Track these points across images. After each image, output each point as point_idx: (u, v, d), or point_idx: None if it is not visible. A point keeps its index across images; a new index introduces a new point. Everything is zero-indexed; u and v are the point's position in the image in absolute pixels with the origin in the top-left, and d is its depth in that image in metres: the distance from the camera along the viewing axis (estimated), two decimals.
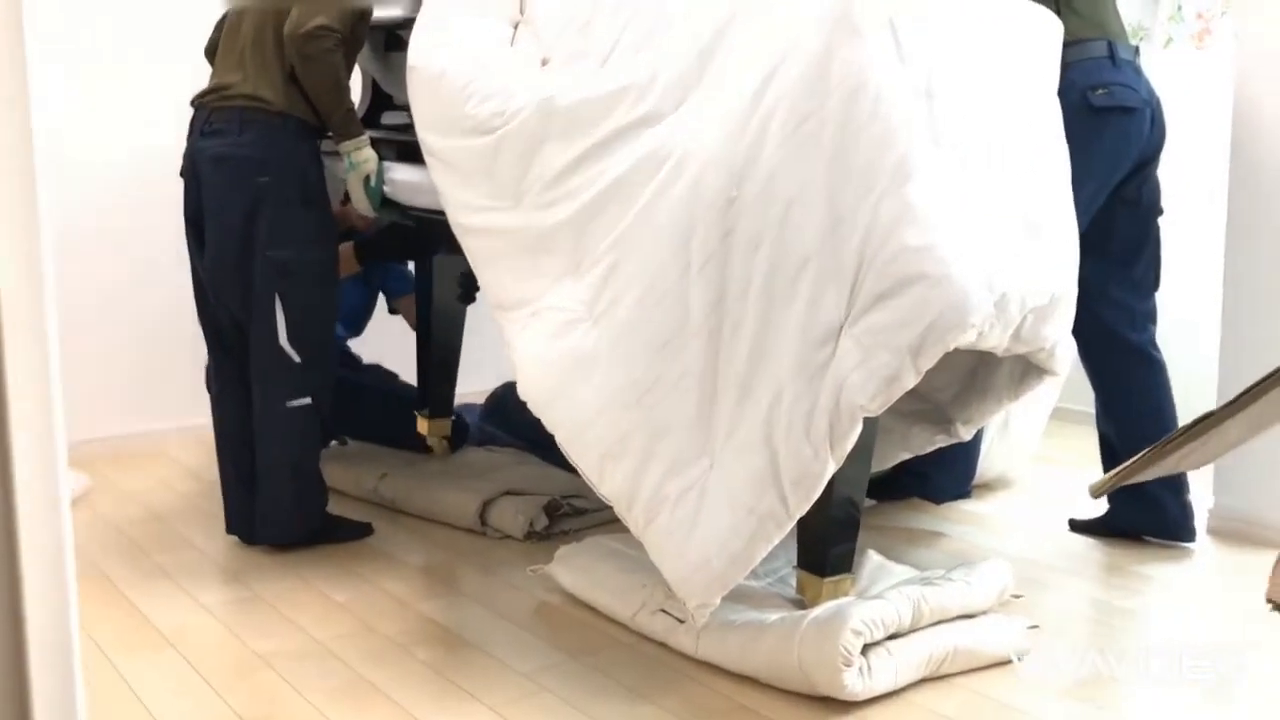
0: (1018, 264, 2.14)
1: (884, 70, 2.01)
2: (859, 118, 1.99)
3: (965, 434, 2.72)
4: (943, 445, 2.76)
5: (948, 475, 3.21)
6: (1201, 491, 3.01)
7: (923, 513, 3.20)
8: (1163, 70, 3.42)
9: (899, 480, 3.18)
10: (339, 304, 3.02)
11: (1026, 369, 2.51)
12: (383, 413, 3.53)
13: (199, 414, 3.11)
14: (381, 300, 3.81)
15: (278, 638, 2.40)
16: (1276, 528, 2.95)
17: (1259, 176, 2.97)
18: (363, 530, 3.01)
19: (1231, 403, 1.20)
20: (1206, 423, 1.22)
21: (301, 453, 2.85)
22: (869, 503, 3.08)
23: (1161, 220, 2.98)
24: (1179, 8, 3.96)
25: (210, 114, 2.80)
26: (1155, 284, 2.99)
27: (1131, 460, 1.33)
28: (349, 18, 2.75)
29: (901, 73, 2.03)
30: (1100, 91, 2.79)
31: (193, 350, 3.04)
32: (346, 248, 3.37)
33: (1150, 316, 2.98)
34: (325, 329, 2.89)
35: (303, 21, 2.70)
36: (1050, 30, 2.41)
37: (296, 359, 2.79)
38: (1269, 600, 1.08)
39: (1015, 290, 2.10)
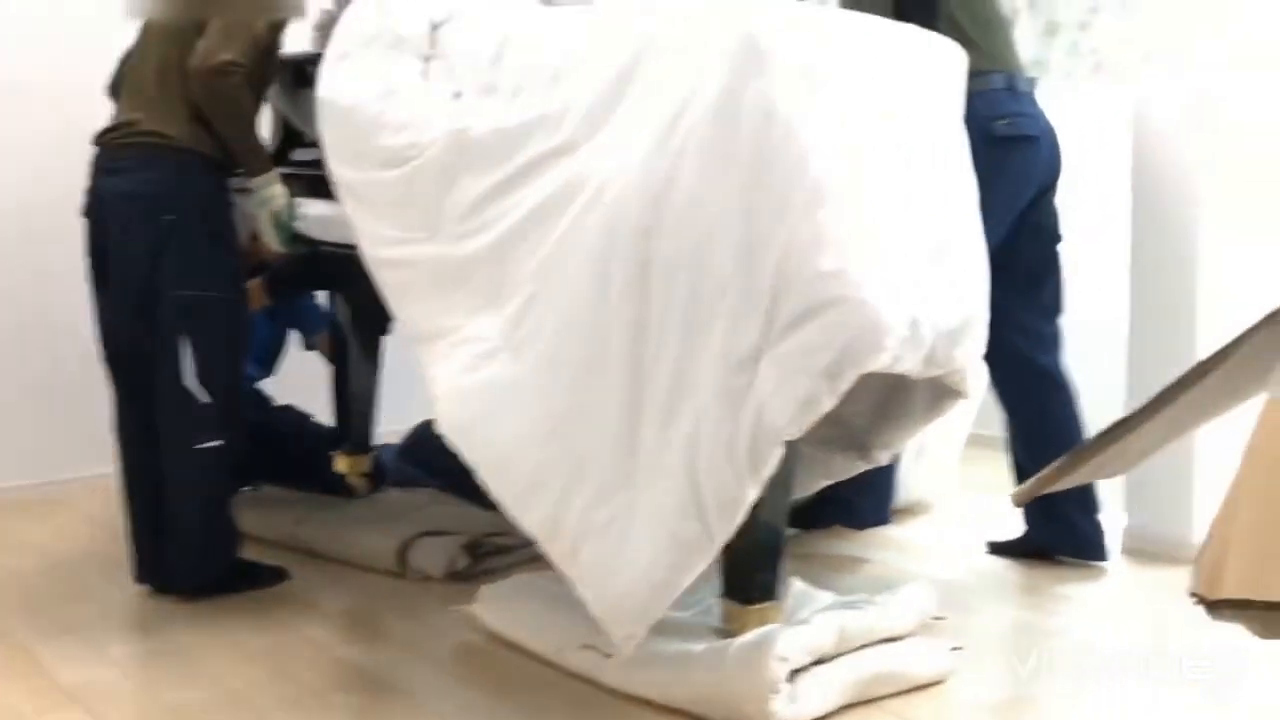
0: (929, 288, 2.17)
1: (794, 99, 2.04)
2: (771, 146, 2.01)
3: (883, 458, 2.74)
4: (862, 471, 2.78)
5: (868, 502, 3.23)
6: (1114, 512, 3.07)
7: (844, 539, 3.22)
8: (1059, 102, 3.52)
9: (820, 509, 3.19)
10: (249, 343, 2.96)
11: (940, 392, 2.54)
12: (297, 456, 3.46)
13: (103, 461, 3.02)
14: (294, 338, 3.74)
15: (191, 688, 2.32)
16: (1187, 546, 3.00)
17: (1158, 204, 3.07)
18: (277, 575, 2.94)
19: (1145, 408, 1.22)
20: (1122, 428, 1.24)
21: (212, 496, 2.78)
22: (791, 532, 3.09)
23: (1062, 247, 3.06)
24: (1074, 43, 4.09)
25: (113, 151, 2.74)
26: (1059, 308, 3.07)
27: (1051, 467, 1.35)
28: (256, 53, 2.71)
29: (811, 101, 2.06)
30: (1003, 121, 2.86)
31: (96, 395, 2.96)
32: (256, 283, 3.31)
33: (1056, 340, 3.06)
34: (234, 369, 2.83)
35: (208, 57, 2.66)
36: (955, 60, 2.47)
37: (205, 400, 2.72)
38: (1192, 594, 1.10)
39: (927, 314, 2.13)
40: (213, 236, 2.75)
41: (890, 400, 2.67)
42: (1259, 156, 3.05)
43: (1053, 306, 3.05)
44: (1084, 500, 2.96)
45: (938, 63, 2.42)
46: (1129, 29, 3.87)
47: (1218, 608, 1.05)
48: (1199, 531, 3.01)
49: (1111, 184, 3.49)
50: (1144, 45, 3.12)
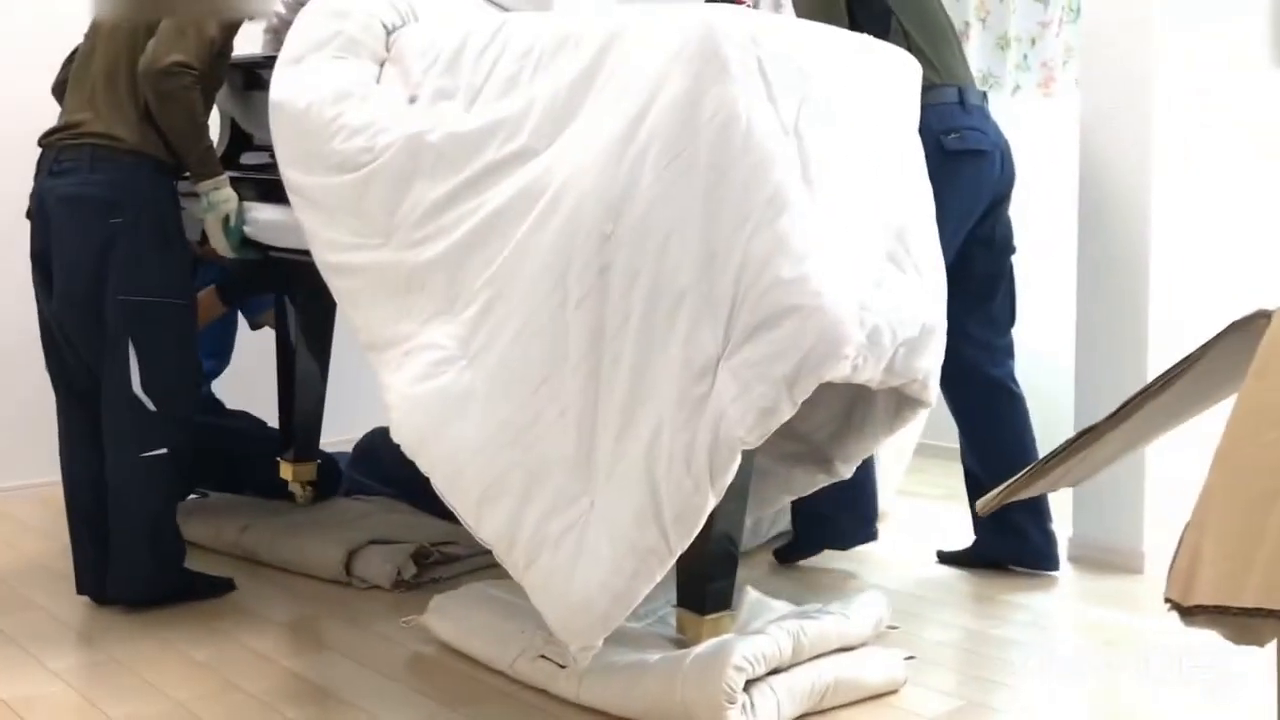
0: (887, 297, 2.17)
1: (754, 106, 2.03)
2: (731, 152, 2.00)
3: (845, 471, 2.72)
4: (824, 485, 2.75)
5: (853, 519, 3.11)
6: (1061, 522, 3.10)
7: None
8: (1011, 116, 3.57)
9: (808, 533, 3.10)
10: (199, 344, 2.90)
11: (901, 402, 2.55)
12: (248, 462, 3.40)
13: (43, 471, 2.94)
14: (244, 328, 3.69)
15: (136, 702, 2.26)
16: (1132, 554, 3.06)
17: (1105, 215, 3.11)
18: (223, 585, 2.88)
19: (1111, 416, 1.23)
20: (1087, 437, 1.25)
21: (157, 506, 2.72)
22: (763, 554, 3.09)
23: (1014, 258, 3.10)
24: (1025, 57, 4.14)
25: (59, 152, 2.68)
26: (1011, 320, 3.10)
27: (1017, 476, 1.35)
28: (208, 55, 2.67)
29: (770, 109, 2.06)
30: (953, 136, 2.89)
31: (34, 403, 2.89)
32: (209, 292, 3.26)
33: (1008, 351, 3.09)
34: (182, 375, 2.77)
35: (158, 58, 2.61)
36: (910, 71, 2.49)
37: (151, 407, 2.66)
38: (1167, 600, 1.11)
39: (886, 323, 2.14)
40: (161, 240, 2.70)
41: (853, 412, 2.67)
42: (1203, 165, 3.11)
43: (1004, 318, 3.08)
44: (1036, 510, 2.99)
45: (896, 73, 2.43)
46: (1075, 41, 3.93)
47: (1192, 614, 1.06)
48: (1147, 540, 3.08)
49: (1062, 196, 3.53)
50: (1086, 56, 3.16)
